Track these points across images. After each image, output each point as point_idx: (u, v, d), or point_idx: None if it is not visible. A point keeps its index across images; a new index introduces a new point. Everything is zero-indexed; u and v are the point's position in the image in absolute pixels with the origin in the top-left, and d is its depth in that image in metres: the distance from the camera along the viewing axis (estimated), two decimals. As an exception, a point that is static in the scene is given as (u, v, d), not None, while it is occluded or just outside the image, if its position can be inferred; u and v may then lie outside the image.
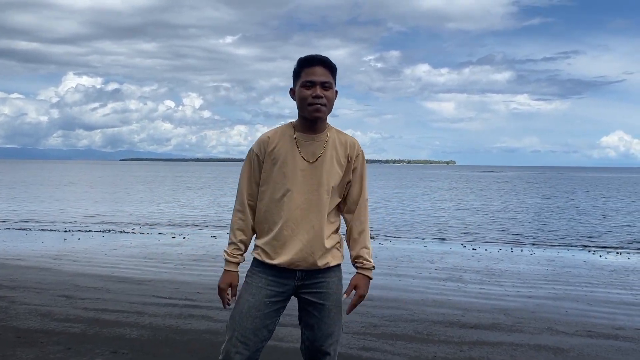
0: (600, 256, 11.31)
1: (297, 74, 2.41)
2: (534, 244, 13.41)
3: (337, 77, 2.43)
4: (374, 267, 2.52)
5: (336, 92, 2.43)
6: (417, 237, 14.32)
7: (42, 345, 4.16)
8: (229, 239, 2.46)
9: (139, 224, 16.46)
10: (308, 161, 2.37)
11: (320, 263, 2.40)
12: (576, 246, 13.26)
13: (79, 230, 14.30)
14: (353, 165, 2.46)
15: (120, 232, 14.25)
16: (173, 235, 13.52)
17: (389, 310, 5.74)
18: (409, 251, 11.23)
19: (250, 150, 2.47)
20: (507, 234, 15.65)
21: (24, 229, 14.67)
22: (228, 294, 2.45)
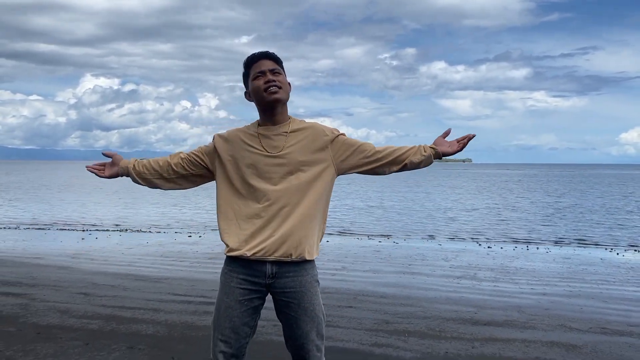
0: (618, 254, 11.21)
1: (246, 75, 2.51)
2: (550, 242, 13.32)
3: (284, 69, 2.51)
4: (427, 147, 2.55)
5: (289, 84, 2.50)
6: (431, 236, 14.31)
7: (61, 340, 4.26)
8: None
9: (153, 225, 16.64)
10: (272, 153, 2.39)
11: (294, 253, 2.35)
12: (593, 244, 13.15)
13: (97, 230, 14.52)
14: (334, 147, 2.47)
15: (137, 231, 14.43)
16: (189, 234, 13.66)
17: (402, 308, 5.76)
18: (423, 249, 11.23)
19: (213, 137, 2.55)
20: (523, 231, 15.56)
21: (42, 229, 14.92)
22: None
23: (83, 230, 14.35)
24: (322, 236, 2.51)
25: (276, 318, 2.50)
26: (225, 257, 2.47)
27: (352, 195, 32.84)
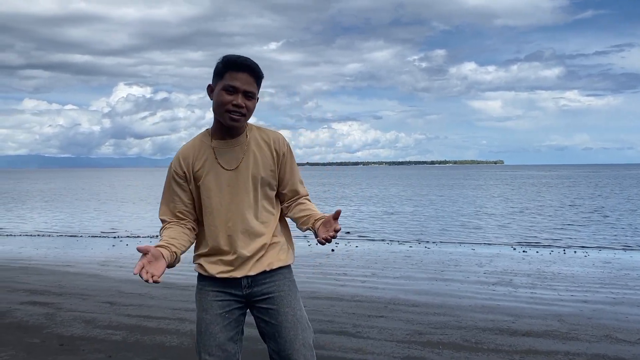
0: (661, 257, 10.71)
1: (220, 74, 2.23)
2: (588, 245, 12.83)
3: (261, 85, 2.31)
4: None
5: (257, 99, 2.30)
6: (463, 241, 13.96)
7: (83, 353, 4.17)
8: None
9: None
10: (228, 169, 2.27)
11: (261, 266, 2.28)
12: (635, 247, 12.62)
13: (127, 237, 14.59)
14: (282, 159, 2.35)
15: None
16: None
17: (435, 317, 5.52)
18: (456, 255, 10.91)
19: (170, 166, 2.36)
20: (559, 234, 15.07)
21: (75, 236, 15.08)
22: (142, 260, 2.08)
23: (114, 237, 14.44)
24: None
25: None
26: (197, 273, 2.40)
27: (373, 199, 32.56)
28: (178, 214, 2.31)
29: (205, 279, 2.33)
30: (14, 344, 4.38)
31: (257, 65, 2.24)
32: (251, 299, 2.31)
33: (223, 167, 2.26)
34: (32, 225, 18.65)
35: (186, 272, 8.63)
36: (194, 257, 2.37)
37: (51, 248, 12.20)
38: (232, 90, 2.18)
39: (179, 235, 2.27)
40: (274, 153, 2.32)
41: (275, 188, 2.37)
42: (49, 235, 15.26)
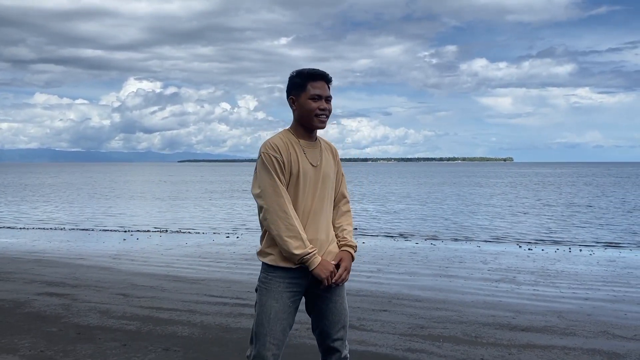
0: (666, 257, 10.78)
1: (300, 86, 2.61)
2: (594, 244, 12.91)
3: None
4: (356, 246, 2.71)
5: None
6: (469, 238, 14.08)
7: (99, 341, 4.37)
8: (291, 246, 2.48)
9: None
10: (313, 165, 2.61)
11: (330, 257, 2.62)
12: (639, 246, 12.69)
13: (138, 231, 14.85)
14: (338, 165, 2.77)
15: (177, 232, 14.70)
16: (227, 235, 13.84)
17: (437, 312, 5.69)
18: (461, 252, 11.06)
19: (265, 154, 2.53)
20: (566, 233, 15.14)
21: (86, 230, 15.36)
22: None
23: (125, 231, 14.70)
24: None
25: (308, 321, 2.76)
26: (263, 264, 2.65)
27: (372, 196, 32.65)
28: (287, 201, 2.52)
29: (276, 269, 2.56)
30: (33, 333, 4.59)
31: (327, 73, 2.66)
32: (312, 284, 2.60)
33: (310, 163, 2.60)
34: (38, 218, 18.96)
35: (196, 266, 8.86)
36: (265, 249, 2.58)
37: (63, 241, 12.46)
38: (318, 97, 2.59)
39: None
40: (334, 158, 2.75)
41: (334, 185, 2.74)
42: (63, 229, 15.54)
